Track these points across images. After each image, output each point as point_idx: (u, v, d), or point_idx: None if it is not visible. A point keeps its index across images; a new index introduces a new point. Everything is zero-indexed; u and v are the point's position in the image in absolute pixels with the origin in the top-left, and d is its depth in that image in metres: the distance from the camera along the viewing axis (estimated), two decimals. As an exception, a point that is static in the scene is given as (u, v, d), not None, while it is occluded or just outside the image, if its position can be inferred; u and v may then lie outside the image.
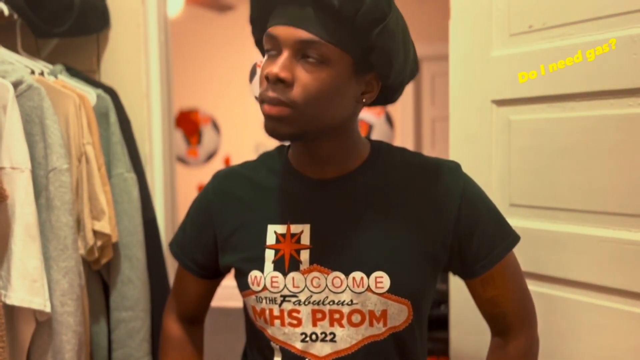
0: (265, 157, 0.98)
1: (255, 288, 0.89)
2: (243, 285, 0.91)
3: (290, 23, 0.78)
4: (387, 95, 0.91)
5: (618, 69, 0.98)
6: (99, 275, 1.44)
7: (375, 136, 4.44)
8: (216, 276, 1.03)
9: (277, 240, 0.89)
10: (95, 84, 1.51)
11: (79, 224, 1.29)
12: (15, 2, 1.30)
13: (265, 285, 0.88)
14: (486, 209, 0.92)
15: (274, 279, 0.88)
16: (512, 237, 0.92)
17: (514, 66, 1.13)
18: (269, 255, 0.89)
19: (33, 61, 1.41)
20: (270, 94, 0.79)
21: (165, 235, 1.71)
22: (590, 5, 1.02)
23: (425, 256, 0.87)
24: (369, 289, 0.85)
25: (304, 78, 0.78)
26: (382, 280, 0.85)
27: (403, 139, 4.40)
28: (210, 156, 4.23)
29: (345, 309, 0.86)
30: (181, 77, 3.93)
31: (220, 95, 4.19)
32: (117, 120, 1.45)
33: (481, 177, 1.20)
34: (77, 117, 1.30)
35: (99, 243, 1.33)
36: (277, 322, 0.89)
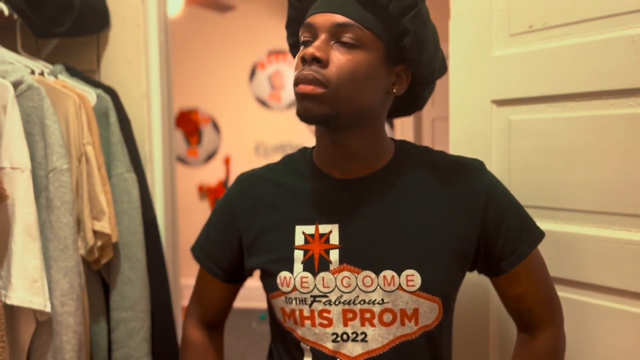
0: (288, 159, 1.00)
1: (284, 289, 0.89)
2: (271, 287, 0.91)
3: (327, 9, 0.82)
4: (415, 94, 0.92)
5: (618, 69, 0.98)
6: (99, 275, 1.44)
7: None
8: (240, 280, 1.04)
9: (306, 241, 0.90)
10: (95, 84, 1.51)
11: (79, 224, 1.29)
12: (15, 2, 1.30)
13: (295, 285, 0.88)
14: (511, 206, 0.92)
15: (303, 280, 0.88)
16: (536, 234, 0.93)
17: (514, 66, 1.13)
18: (298, 255, 0.89)
19: (33, 61, 1.41)
20: (306, 71, 0.81)
21: (165, 235, 1.71)
22: (590, 5, 1.02)
23: (454, 253, 0.88)
24: (400, 287, 0.85)
25: (339, 59, 0.81)
26: (413, 278, 0.85)
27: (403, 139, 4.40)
28: (210, 156, 4.23)
29: (377, 308, 0.86)
30: (181, 77, 3.93)
31: (220, 95, 4.19)
32: (117, 120, 1.45)
33: (481, 177, 1.20)
34: (77, 117, 1.30)
35: (99, 243, 1.33)
36: (307, 322, 0.89)
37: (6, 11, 1.30)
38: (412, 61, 0.85)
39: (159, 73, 1.68)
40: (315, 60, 0.80)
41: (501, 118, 1.17)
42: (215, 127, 4.22)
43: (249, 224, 0.95)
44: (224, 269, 1.01)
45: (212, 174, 4.17)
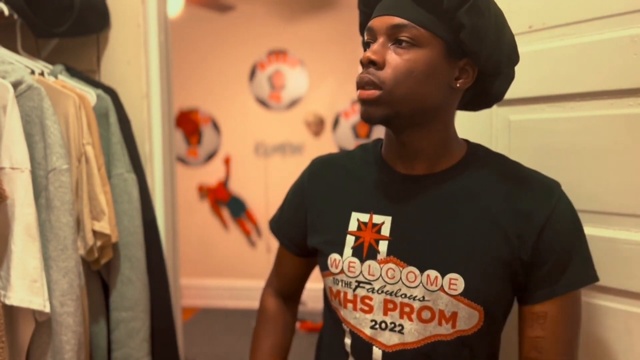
0: (362, 147, 1.02)
1: (333, 270, 0.94)
2: (323, 266, 0.96)
3: (384, 13, 0.85)
4: (485, 87, 0.91)
5: (618, 69, 0.98)
6: (99, 275, 1.44)
7: (375, 136, 4.44)
8: (310, 255, 1.07)
9: (359, 228, 0.92)
10: (95, 84, 1.51)
11: (78, 224, 1.29)
12: (15, 2, 1.30)
13: (342, 268, 0.92)
14: (575, 236, 0.87)
15: (351, 264, 0.91)
16: (586, 275, 0.88)
17: (514, 66, 1.13)
18: (350, 240, 0.92)
19: (33, 61, 1.41)
20: (363, 75, 0.83)
21: (165, 235, 1.71)
22: (590, 5, 1.02)
23: (504, 266, 0.85)
24: (441, 288, 0.85)
25: (395, 60, 0.82)
26: (456, 282, 0.85)
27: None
28: (210, 156, 4.23)
29: (416, 304, 0.87)
30: (181, 77, 3.92)
31: (220, 95, 4.19)
32: (117, 120, 1.45)
33: (481, 177, 1.20)
34: (77, 117, 1.30)
35: (98, 243, 1.33)
36: (349, 305, 0.92)
37: (6, 11, 1.30)
38: (473, 54, 0.84)
39: (159, 73, 1.68)
40: (371, 63, 0.83)
41: (501, 118, 1.17)
42: (215, 127, 4.22)
43: (314, 204, 1.00)
44: (295, 243, 1.06)
45: (212, 174, 4.17)
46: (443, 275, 0.86)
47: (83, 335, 1.24)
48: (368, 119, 0.85)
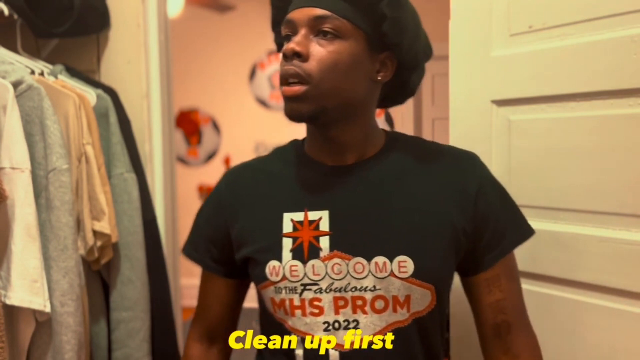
0: (278, 150, 0.99)
1: (273, 278, 0.88)
2: (260, 277, 0.89)
3: (304, 4, 0.83)
4: (403, 80, 0.91)
5: (618, 69, 0.98)
6: (99, 275, 1.44)
7: (375, 136, 4.44)
8: (241, 275, 0.98)
9: (295, 228, 0.88)
10: (95, 84, 1.51)
11: (78, 224, 1.29)
12: (15, 2, 1.30)
13: (284, 274, 0.87)
14: (502, 199, 0.91)
15: (293, 268, 0.86)
16: (525, 230, 0.92)
17: (514, 66, 1.13)
18: (287, 243, 0.88)
19: (33, 61, 1.41)
20: (287, 67, 0.81)
21: (165, 235, 1.71)
22: (590, 5, 1.02)
23: (448, 241, 0.86)
24: (392, 273, 0.84)
25: (319, 52, 0.81)
26: (405, 264, 0.84)
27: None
28: (210, 156, 4.23)
29: (368, 295, 0.85)
30: (181, 77, 3.93)
31: (220, 95, 4.19)
32: (117, 120, 1.45)
33: (481, 177, 1.20)
34: (77, 117, 1.30)
35: (98, 243, 1.33)
36: (297, 312, 0.87)
37: (6, 11, 1.30)
38: (394, 46, 0.85)
39: (159, 73, 1.68)
40: (295, 54, 0.81)
41: (501, 118, 1.17)
42: (215, 127, 4.22)
43: (237, 215, 0.93)
44: (221, 263, 0.97)
45: (212, 174, 4.17)
46: (391, 260, 0.84)
47: (83, 335, 1.24)
48: (295, 116, 0.83)
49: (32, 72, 1.33)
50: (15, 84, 1.17)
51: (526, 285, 1.14)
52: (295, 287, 0.87)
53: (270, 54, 4.10)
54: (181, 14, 3.55)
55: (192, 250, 1.00)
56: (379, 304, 0.85)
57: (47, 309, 1.12)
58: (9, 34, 1.39)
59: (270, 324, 0.94)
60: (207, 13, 3.94)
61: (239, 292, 1.01)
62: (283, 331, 0.91)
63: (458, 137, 1.25)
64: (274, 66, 4.10)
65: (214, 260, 0.98)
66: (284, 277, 0.87)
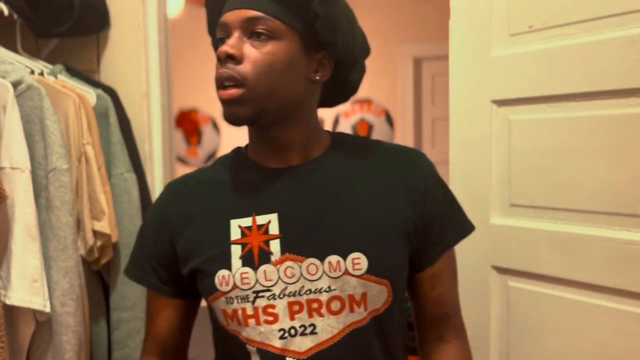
0: (221, 159, 0.96)
1: (224, 288, 0.84)
2: (210, 289, 0.85)
3: (236, 6, 0.82)
4: (342, 79, 0.90)
5: (618, 69, 0.98)
6: (99, 275, 1.44)
7: (375, 136, 4.44)
8: (191, 294, 0.94)
9: (243, 234, 0.85)
10: (95, 84, 1.51)
11: (78, 224, 1.29)
12: (15, 2, 1.30)
13: (235, 283, 0.83)
14: (446, 194, 0.92)
15: (243, 276, 0.83)
16: (466, 226, 0.93)
17: (514, 66, 1.13)
18: (235, 251, 0.84)
19: (33, 61, 1.41)
20: (222, 71, 0.80)
21: (165, 235, 1.71)
22: (590, 5, 1.02)
23: (400, 235, 0.86)
24: (346, 272, 0.82)
25: (253, 54, 0.80)
26: (359, 261, 0.82)
27: (403, 139, 4.40)
28: (210, 156, 4.23)
29: (324, 297, 0.83)
30: (181, 77, 3.93)
31: (220, 95, 4.18)
32: (117, 120, 1.45)
33: (481, 177, 1.20)
34: (77, 117, 1.31)
35: (98, 243, 1.33)
36: (251, 321, 0.84)
37: (6, 11, 1.30)
38: (329, 45, 0.84)
39: (158, 73, 1.68)
40: (229, 57, 0.80)
41: (501, 118, 1.17)
42: (215, 127, 4.22)
43: (182, 228, 0.89)
44: (169, 283, 0.92)
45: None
46: (345, 258, 0.82)
47: (83, 335, 1.24)
48: (233, 120, 0.81)
49: (32, 72, 1.33)
50: (15, 84, 1.17)
51: (526, 285, 1.14)
52: (247, 295, 0.83)
53: (270, 54, 4.10)
54: (181, 14, 3.55)
55: (136, 271, 0.94)
56: (335, 305, 0.83)
57: (47, 309, 1.12)
58: (9, 34, 1.39)
59: (224, 339, 0.90)
60: (207, 13, 3.94)
61: (189, 312, 0.96)
62: (238, 344, 0.87)
63: (458, 137, 1.25)
64: (274, 66, 4.10)
65: (161, 280, 0.92)
66: (234, 286, 0.83)
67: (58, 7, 1.41)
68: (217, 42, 0.88)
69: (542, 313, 1.12)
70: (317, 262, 0.83)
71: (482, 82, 1.18)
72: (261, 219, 0.85)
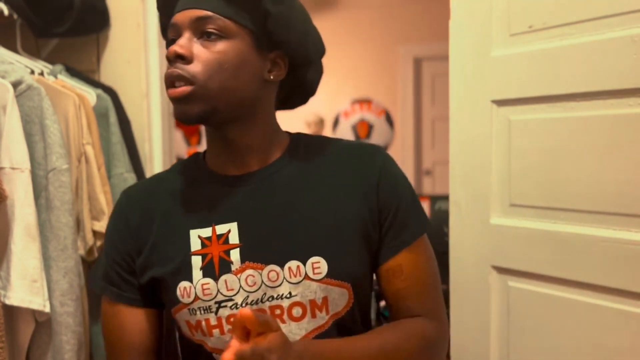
0: (178, 166, 0.95)
1: (186, 300, 0.83)
2: (172, 301, 0.84)
3: (186, 6, 0.81)
4: (299, 79, 0.90)
5: (618, 69, 0.98)
6: (99, 276, 1.44)
7: (375, 136, 4.45)
8: (152, 302, 0.91)
9: (203, 245, 0.84)
10: (95, 84, 1.51)
11: (78, 224, 1.29)
12: (15, 2, 1.30)
13: (196, 294, 0.82)
14: (403, 190, 0.89)
15: (205, 286, 0.82)
16: (423, 225, 0.90)
17: (514, 66, 1.13)
18: (196, 262, 0.83)
19: (33, 61, 1.41)
20: (171, 70, 0.79)
21: (165, 235, 1.71)
22: (590, 5, 1.02)
23: (359, 236, 0.85)
24: (306, 276, 0.81)
25: (203, 54, 0.79)
26: (319, 265, 0.81)
27: (403, 139, 4.40)
28: (210, 156, 4.23)
29: (285, 303, 0.82)
30: (181, 77, 3.93)
31: (220, 95, 4.19)
32: (117, 120, 1.45)
33: (481, 177, 1.20)
34: (77, 117, 1.31)
35: (98, 243, 1.33)
36: (215, 331, 0.83)
37: (6, 11, 1.30)
38: (282, 44, 0.83)
39: (159, 73, 1.68)
40: (179, 57, 0.79)
41: (501, 118, 1.17)
42: (215, 127, 4.22)
43: (140, 238, 0.87)
44: (136, 291, 0.89)
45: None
46: (304, 262, 0.81)
47: (83, 335, 1.24)
48: (185, 118, 0.80)
49: (32, 72, 1.33)
50: (15, 84, 1.17)
51: (526, 285, 1.14)
52: (210, 306, 0.82)
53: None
54: (181, 14, 3.54)
55: (105, 284, 0.90)
56: (297, 312, 0.82)
57: (47, 309, 1.12)
58: (9, 34, 1.39)
59: (190, 348, 0.89)
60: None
61: (159, 322, 0.94)
62: (205, 353, 0.86)
63: (458, 137, 1.25)
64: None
65: (132, 291, 0.89)
66: (196, 298, 0.82)
67: (58, 7, 1.41)
68: (169, 44, 0.87)
69: (542, 313, 1.12)
70: (278, 268, 0.82)
71: (482, 82, 1.18)
72: (221, 229, 0.84)
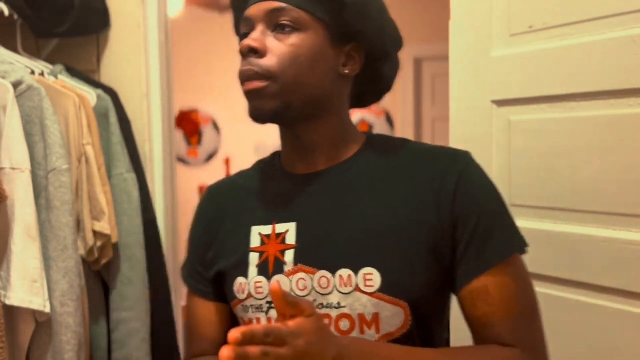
0: (259, 163, 0.95)
1: (240, 296, 0.82)
2: (230, 295, 0.84)
3: None
4: (375, 73, 0.86)
5: (618, 69, 0.98)
6: (99, 276, 1.44)
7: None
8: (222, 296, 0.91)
9: (262, 242, 0.83)
10: (95, 84, 1.51)
11: (78, 224, 1.29)
12: (15, 2, 1.30)
13: (249, 291, 0.81)
14: (488, 199, 0.79)
15: (257, 284, 0.80)
16: (515, 243, 0.79)
17: (514, 66, 1.13)
18: (253, 258, 0.82)
19: (33, 61, 1.41)
20: (245, 68, 0.77)
21: (165, 235, 1.71)
22: (590, 5, 1.02)
23: (424, 249, 0.76)
24: (357, 288, 0.75)
25: (277, 47, 0.77)
26: (371, 277, 0.75)
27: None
28: (210, 156, 4.23)
29: (334, 313, 0.76)
30: (181, 77, 3.94)
31: (220, 95, 4.19)
32: (117, 120, 1.45)
33: (481, 177, 1.20)
34: (77, 117, 1.31)
35: (98, 243, 1.33)
36: None
37: (6, 11, 1.30)
38: (357, 36, 0.80)
39: (159, 73, 1.68)
40: (252, 51, 0.76)
41: (501, 118, 1.17)
42: (215, 127, 4.22)
43: (215, 231, 0.89)
44: (207, 284, 0.90)
45: (212, 174, 4.17)
46: (356, 272, 0.75)
47: (83, 335, 1.24)
48: (259, 115, 0.77)
49: (32, 72, 1.33)
50: (15, 84, 1.17)
51: (526, 286, 1.14)
52: (261, 305, 0.80)
53: (270, 54, 4.10)
54: (181, 14, 3.55)
55: (185, 273, 0.93)
56: (344, 324, 0.76)
57: (47, 309, 1.12)
58: (9, 34, 1.39)
59: None
60: (207, 13, 3.94)
61: (230, 316, 0.92)
62: None
63: (458, 137, 1.25)
64: (274, 66, 4.10)
65: (204, 284, 0.90)
66: (249, 295, 0.81)
67: (58, 7, 1.41)
68: (241, 39, 0.84)
69: (542, 313, 1.12)
70: (329, 274, 0.77)
71: (482, 82, 1.18)
72: (280, 227, 0.82)
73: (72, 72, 1.48)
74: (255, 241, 0.83)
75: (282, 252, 0.80)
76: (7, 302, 1.09)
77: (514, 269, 0.78)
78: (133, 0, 1.63)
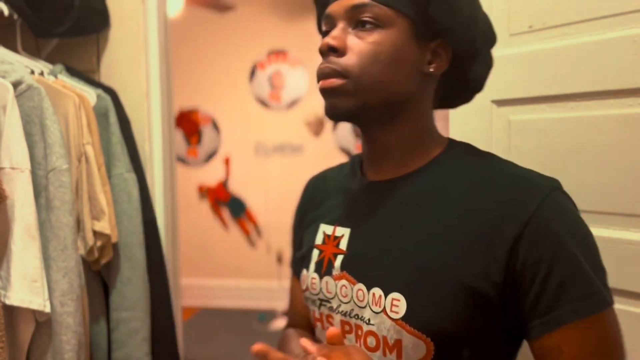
0: (353, 157, 0.93)
1: (303, 286, 0.88)
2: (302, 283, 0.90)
3: None
4: (463, 72, 0.80)
5: (618, 69, 0.98)
6: (99, 276, 1.44)
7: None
8: None
9: (324, 241, 0.84)
10: (95, 84, 1.51)
11: (78, 224, 1.29)
12: (15, 2, 1.30)
13: (307, 285, 0.86)
14: (567, 246, 0.68)
15: (312, 280, 0.84)
16: (596, 300, 0.67)
17: (514, 66, 1.13)
18: (315, 255, 0.85)
19: (33, 61, 1.41)
20: (323, 66, 0.74)
21: (165, 235, 1.71)
22: (590, 5, 1.02)
23: (461, 288, 0.69)
24: (384, 310, 0.73)
25: (357, 45, 0.73)
26: (398, 303, 0.71)
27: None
28: (210, 156, 4.23)
29: (364, 328, 0.76)
30: (181, 77, 3.93)
31: (220, 95, 4.19)
32: (117, 120, 1.45)
33: (481, 177, 1.20)
34: (77, 117, 1.30)
35: (98, 243, 1.33)
36: (318, 325, 0.85)
37: (6, 11, 1.30)
38: (444, 32, 0.74)
39: (159, 73, 1.68)
40: (331, 50, 0.73)
41: (501, 118, 1.17)
42: (215, 127, 4.22)
43: (303, 221, 0.94)
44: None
45: (212, 174, 4.17)
46: (386, 295, 0.73)
47: (83, 335, 1.24)
48: (334, 113, 0.75)
49: (32, 72, 1.33)
50: (15, 84, 1.17)
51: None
52: (315, 300, 0.84)
53: (270, 54, 4.10)
54: (181, 14, 3.55)
55: (292, 260, 0.99)
56: (371, 341, 0.75)
57: (47, 309, 1.12)
58: (9, 34, 1.39)
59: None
60: (207, 13, 3.94)
61: None
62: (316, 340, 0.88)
63: (458, 137, 1.24)
64: (274, 66, 4.10)
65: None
66: (307, 288, 0.86)
67: (58, 7, 1.41)
68: (323, 37, 0.80)
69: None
70: (365, 289, 0.76)
71: (482, 82, 1.18)
72: (339, 231, 0.83)
73: (72, 72, 1.48)
74: (319, 239, 0.86)
75: (335, 256, 0.82)
76: (7, 302, 1.09)
77: (596, 327, 0.68)
78: (133, 0, 1.63)
